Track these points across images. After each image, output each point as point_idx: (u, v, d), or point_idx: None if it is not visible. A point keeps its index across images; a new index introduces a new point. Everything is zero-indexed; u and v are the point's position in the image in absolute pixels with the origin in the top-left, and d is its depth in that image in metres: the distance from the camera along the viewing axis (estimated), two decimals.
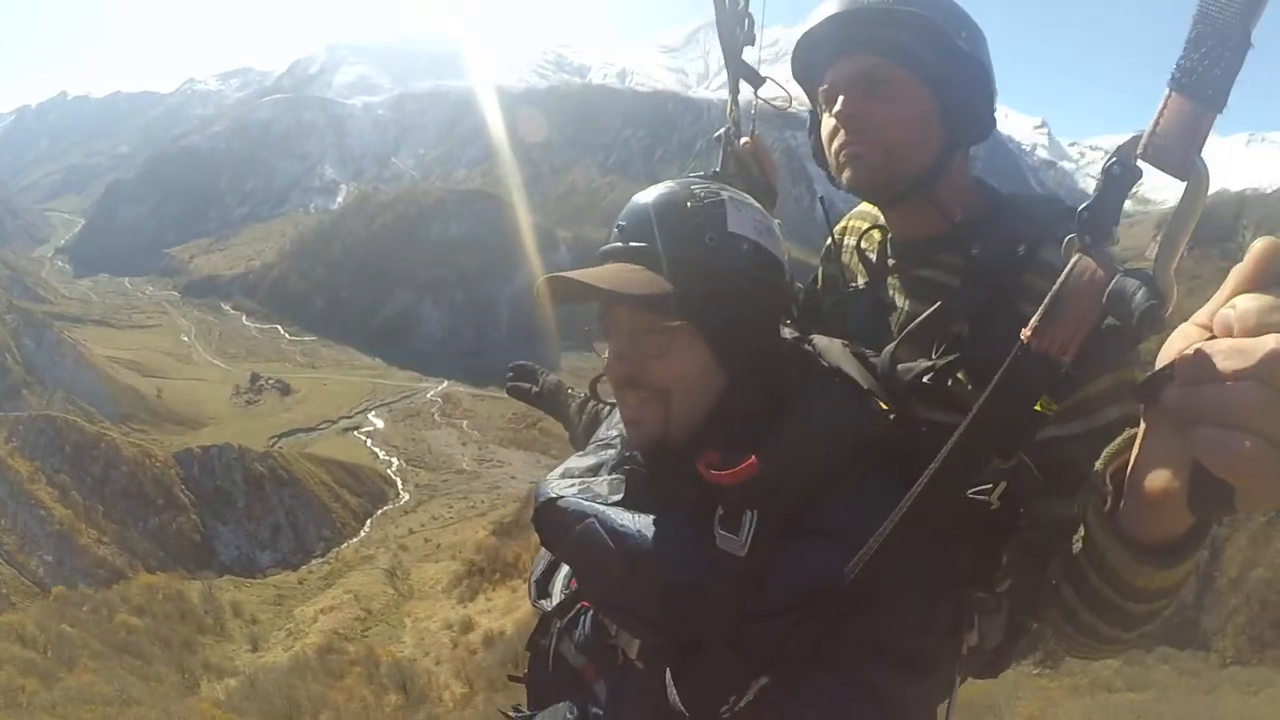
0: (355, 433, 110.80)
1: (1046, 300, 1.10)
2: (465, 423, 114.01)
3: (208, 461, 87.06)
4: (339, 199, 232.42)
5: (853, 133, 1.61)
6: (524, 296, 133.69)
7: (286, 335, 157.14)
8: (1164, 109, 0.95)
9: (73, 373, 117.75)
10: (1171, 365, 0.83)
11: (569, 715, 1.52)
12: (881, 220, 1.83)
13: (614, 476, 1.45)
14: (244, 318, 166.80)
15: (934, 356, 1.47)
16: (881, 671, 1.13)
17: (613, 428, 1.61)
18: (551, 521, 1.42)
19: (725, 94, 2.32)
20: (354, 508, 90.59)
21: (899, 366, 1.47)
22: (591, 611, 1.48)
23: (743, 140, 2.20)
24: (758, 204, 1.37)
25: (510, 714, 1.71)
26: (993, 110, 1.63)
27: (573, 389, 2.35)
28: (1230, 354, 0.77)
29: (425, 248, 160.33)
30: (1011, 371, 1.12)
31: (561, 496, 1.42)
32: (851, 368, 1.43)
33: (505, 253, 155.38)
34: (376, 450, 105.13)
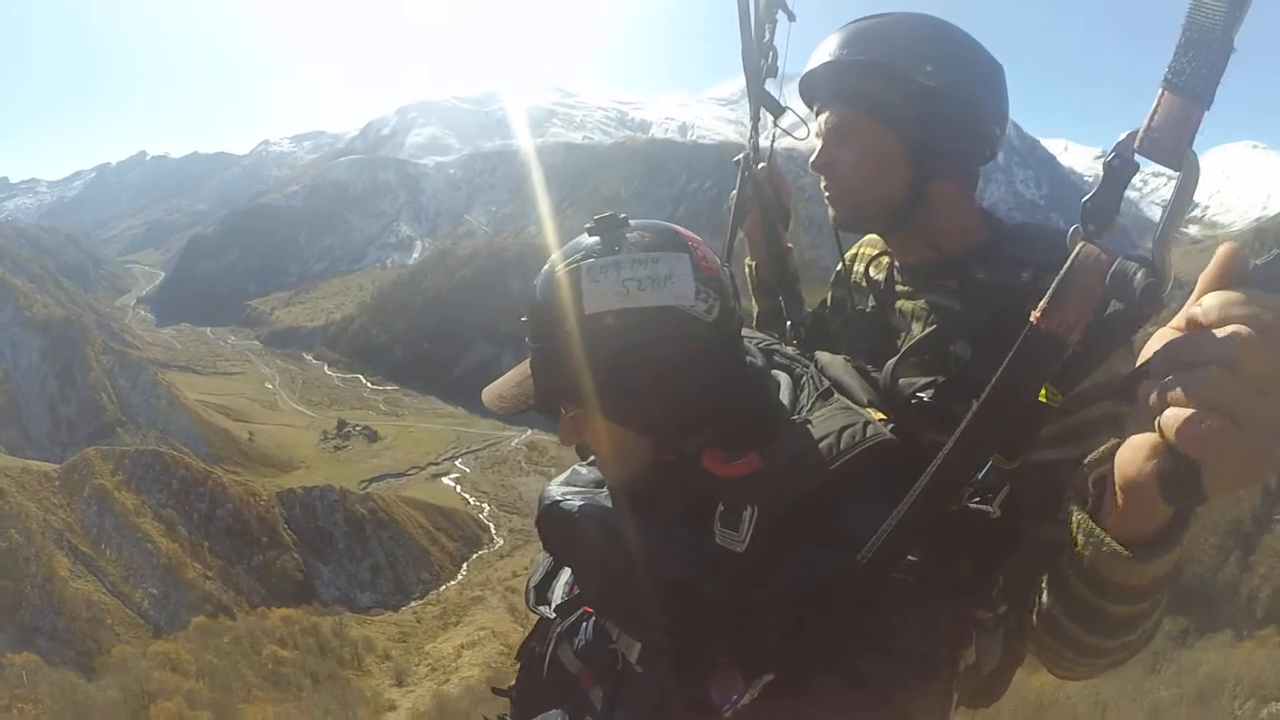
0: (444, 479, 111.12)
1: (1054, 283, 1.16)
2: (553, 469, 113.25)
3: (309, 502, 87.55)
4: (415, 254, 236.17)
5: (828, 180, 1.78)
6: None
7: (369, 385, 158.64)
8: (1157, 107, 1.03)
9: (167, 414, 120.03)
10: (1146, 362, 0.90)
11: None
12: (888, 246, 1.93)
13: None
14: (326, 367, 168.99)
15: (935, 375, 1.52)
16: (882, 668, 1.14)
17: None
18: (555, 524, 1.44)
19: (782, 142, 2.41)
20: (451, 551, 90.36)
21: (900, 381, 1.53)
22: (594, 617, 1.49)
23: (760, 165, 2.33)
24: (645, 248, 1.32)
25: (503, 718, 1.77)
26: (974, 137, 1.71)
27: None
28: (1194, 344, 0.84)
29: (504, 301, 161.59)
30: (1022, 351, 1.15)
31: (565, 499, 1.45)
32: (853, 380, 1.48)
33: None
34: (467, 496, 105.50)
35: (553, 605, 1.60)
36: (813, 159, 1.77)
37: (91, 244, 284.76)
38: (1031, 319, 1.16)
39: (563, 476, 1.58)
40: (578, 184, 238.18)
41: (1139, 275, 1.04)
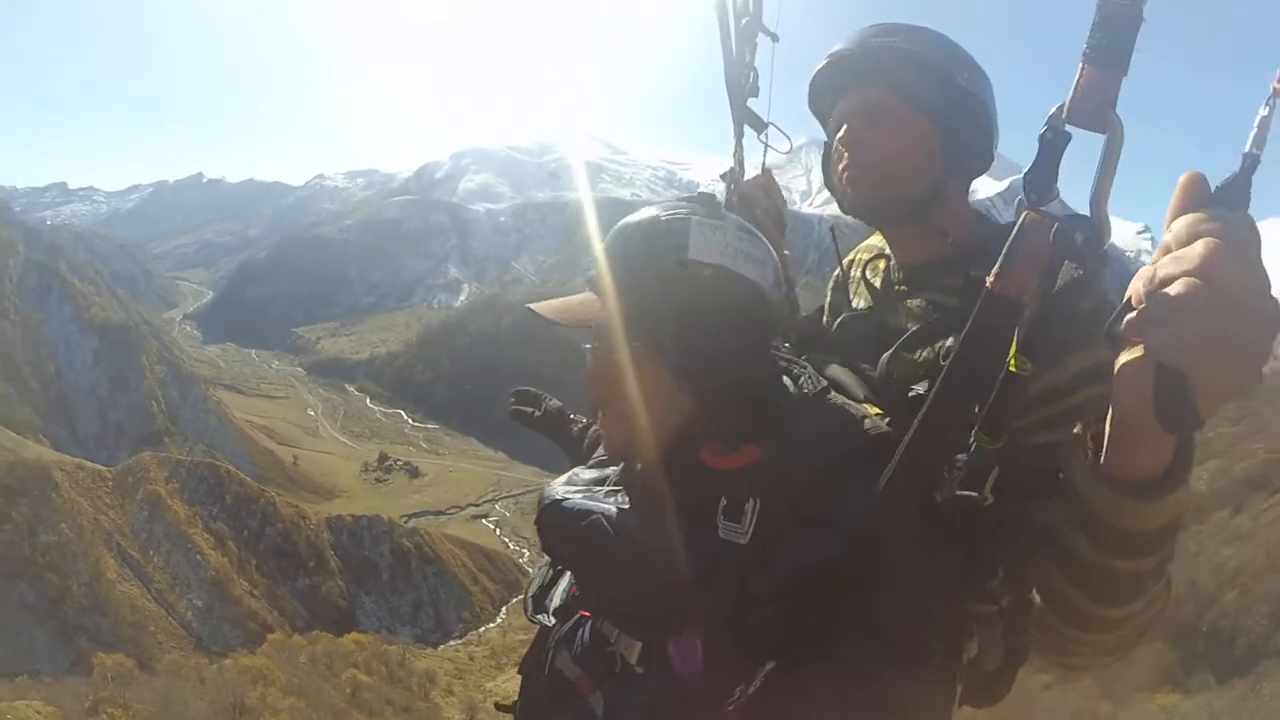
0: (484, 520, 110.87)
1: (1004, 250, 1.21)
2: None
3: (358, 531, 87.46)
4: (462, 297, 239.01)
5: (854, 158, 1.76)
6: None
7: (410, 420, 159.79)
8: (1079, 80, 1.10)
9: (215, 429, 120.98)
10: (1129, 298, 0.92)
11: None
12: (887, 250, 1.95)
13: (617, 488, 1.47)
14: (368, 400, 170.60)
15: (927, 368, 1.55)
16: (873, 655, 1.14)
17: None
18: (555, 522, 1.44)
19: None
20: (491, 593, 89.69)
21: (895, 376, 1.55)
22: (591, 620, 1.47)
23: (755, 175, 2.36)
24: (749, 230, 1.36)
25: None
26: (991, 145, 1.76)
27: (575, 415, 2.42)
28: (1168, 263, 0.87)
29: (549, 349, 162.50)
30: (979, 316, 1.20)
31: (566, 498, 1.45)
32: (849, 378, 1.50)
33: None
34: (506, 540, 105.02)
35: (550, 612, 1.61)
36: (840, 135, 1.78)
37: (144, 257, 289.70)
38: (986, 284, 1.21)
39: (563, 478, 1.60)
40: None
41: (1078, 232, 1.12)
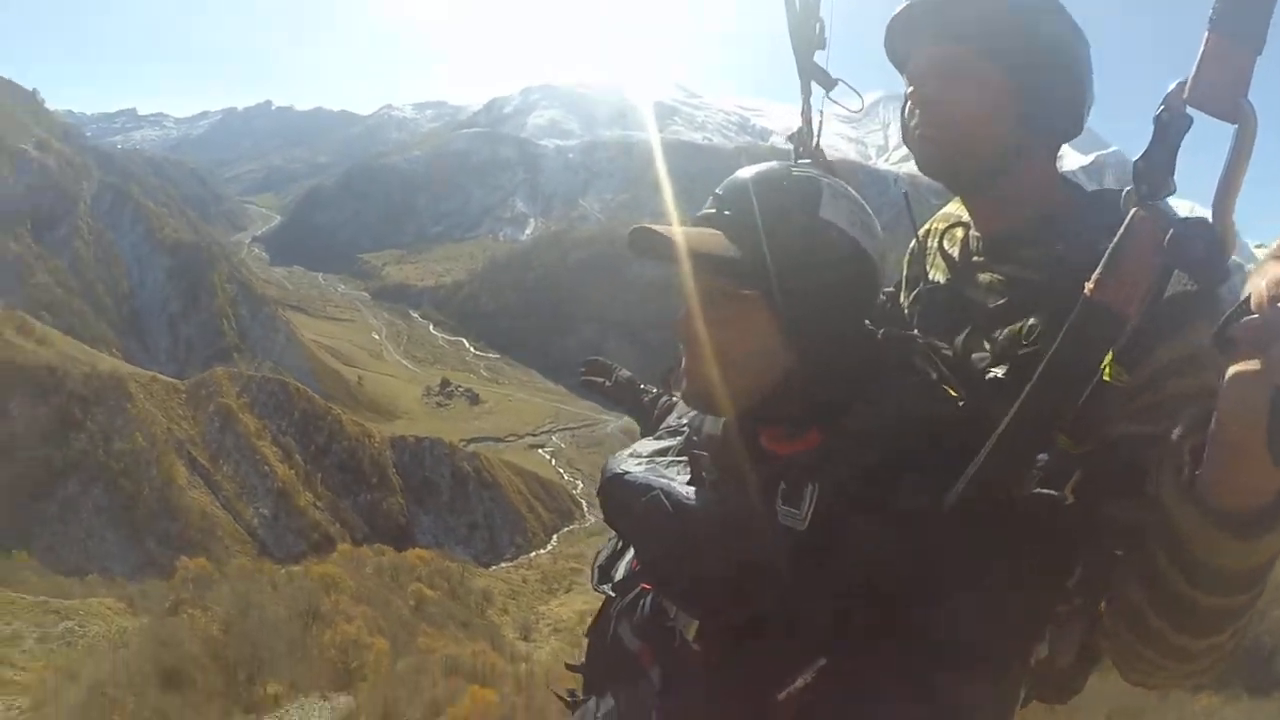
0: (540, 450, 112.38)
1: (1107, 253, 1.10)
2: None
3: (419, 452, 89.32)
4: (528, 231, 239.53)
5: (925, 117, 1.59)
6: None
7: (472, 349, 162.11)
8: (1205, 51, 0.95)
9: (283, 348, 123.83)
10: (1247, 298, 0.81)
11: (618, 702, 1.50)
12: (965, 217, 1.78)
13: (680, 459, 1.46)
14: (431, 327, 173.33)
15: (1006, 349, 1.44)
16: (939, 666, 1.08)
17: (682, 415, 1.62)
18: (617, 495, 1.40)
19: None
20: (545, 521, 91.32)
21: (973, 356, 1.47)
22: (651, 594, 1.44)
23: (815, 142, 2.17)
24: (862, 202, 1.32)
25: (566, 697, 1.75)
26: (1082, 110, 1.57)
27: (644, 384, 2.36)
28: None
29: (614, 288, 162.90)
30: (1076, 326, 1.11)
31: (628, 472, 1.41)
32: (922, 357, 1.41)
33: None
34: (561, 470, 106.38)
35: (614, 583, 1.56)
36: (911, 92, 1.59)
37: (213, 181, 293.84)
38: (1085, 291, 1.12)
39: (626, 450, 1.53)
40: (694, 183, 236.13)
41: (1198, 243, 0.97)
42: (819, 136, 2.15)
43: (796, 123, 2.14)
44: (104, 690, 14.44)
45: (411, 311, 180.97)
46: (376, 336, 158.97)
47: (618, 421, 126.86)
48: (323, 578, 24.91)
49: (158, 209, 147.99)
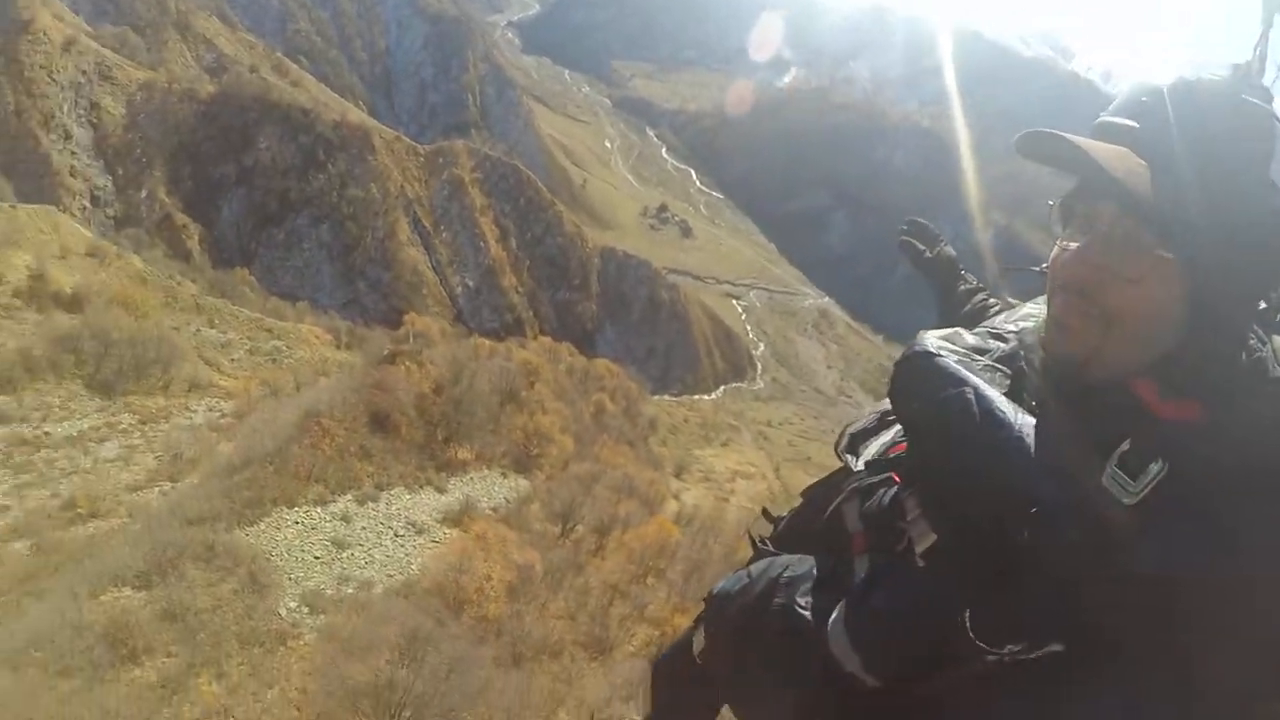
0: (735, 302, 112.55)
1: None
2: (835, 347, 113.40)
3: (626, 267, 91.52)
4: (786, 79, 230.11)
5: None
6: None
7: (698, 182, 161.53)
8: None
9: (520, 133, 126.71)
10: None
11: (817, 571, 1.40)
12: None
13: (999, 368, 1.26)
14: (664, 150, 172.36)
15: None
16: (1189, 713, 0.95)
17: (1013, 323, 1.42)
18: (918, 375, 1.24)
19: None
20: (718, 370, 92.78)
21: None
22: (899, 487, 1.31)
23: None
24: None
25: (758, 541, 1.67)
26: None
27: (966, 270, 2.08)
28: None
29: (861, 165, 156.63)
30: None
31: (940, 354, 1.24)
32: None
33: (937, 203, 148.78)
34: (748, 327, 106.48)
35: (861, 458, 1.45)
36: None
37: None
38: None
39: (941, 331, 1.34)
40: (979, 84, 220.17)
41: None
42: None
43: (1105, 56, 1.68)
44: (319, 418, 15.58)
45: (648, 129, 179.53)
46: (609, 145, 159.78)
47: (818, 300, 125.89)
48: (525, 364, 26.06)
49: None
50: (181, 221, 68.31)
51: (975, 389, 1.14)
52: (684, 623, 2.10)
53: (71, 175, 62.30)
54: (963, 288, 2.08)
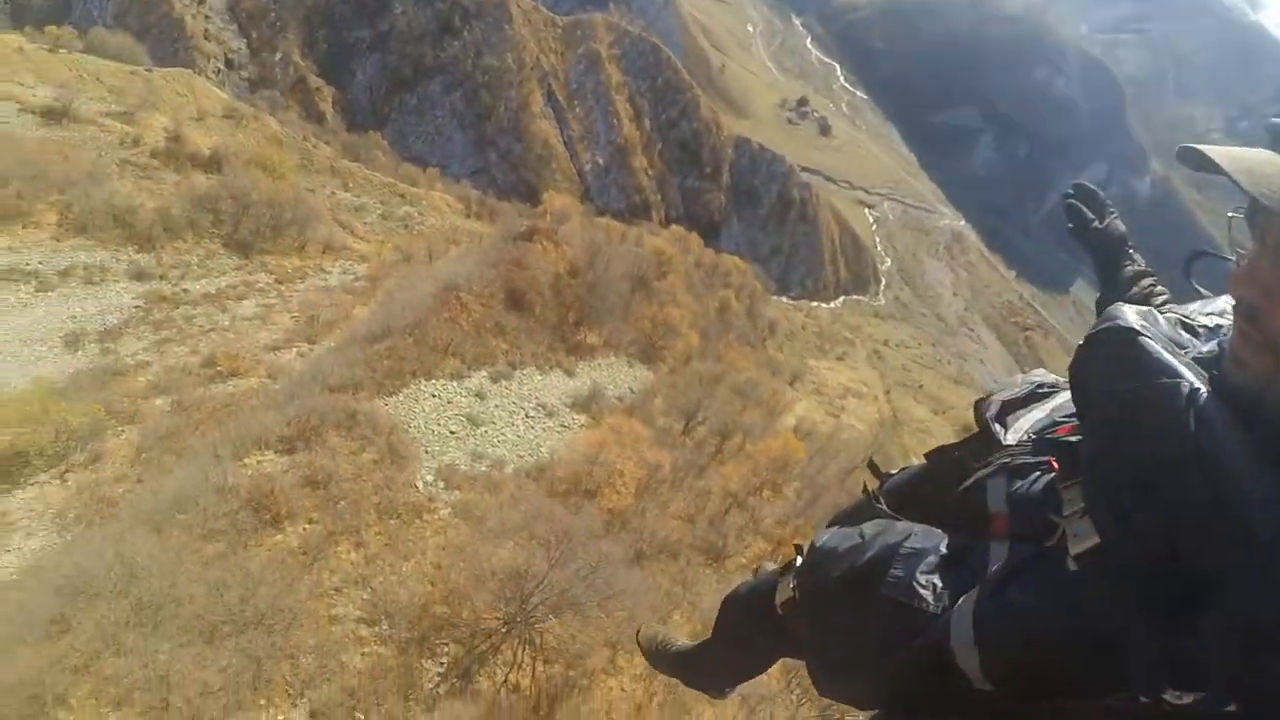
0: (867, 210, 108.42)
1: None
2: (964, 274, 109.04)
3: (760, 161, 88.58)
4: None
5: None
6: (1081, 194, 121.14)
7: (842, 79, 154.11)
8: None
9: (659, 10, 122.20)
10: None
11: (945, 549, 1.33)
12: None
13: (1203, 358, 1.16)
14: (809, 40, 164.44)
15: None
16: None
17: (1206, 316, 1.33)
18: (1124, 355, 1.12)
19: None
20: (840, 280, 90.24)
21: None
22: (1056, 475, 1.22)
23: None
24: None
25: (876, 499, 1.62)
26: None
27: (1134, 248, 1.89)
28: None
29: (1016, 83, 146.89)
30: None
31: (1145, 333, 1.12)
32: None
33: (1093, 138, 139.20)
34: (877, 239, 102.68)
35: (1011, 430, 1.39)
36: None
37: None
38: None
39: (1137, 309, 1.19)
40: (1156, 18, 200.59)
41: None
42: None
43: None
44: (457, 291, 15.54)
45: (794, 16, 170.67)
46: (750, 29, 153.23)
47: (954, 222, 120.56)
48: (658, 253, 25.08)
49: None
50: (315, 85, 69.61)
51: (1191, 385, 1.02)
52: (801, 541, 1.80)
53: (206, 39, 63.85)
54: (1129, 268, 1.86)
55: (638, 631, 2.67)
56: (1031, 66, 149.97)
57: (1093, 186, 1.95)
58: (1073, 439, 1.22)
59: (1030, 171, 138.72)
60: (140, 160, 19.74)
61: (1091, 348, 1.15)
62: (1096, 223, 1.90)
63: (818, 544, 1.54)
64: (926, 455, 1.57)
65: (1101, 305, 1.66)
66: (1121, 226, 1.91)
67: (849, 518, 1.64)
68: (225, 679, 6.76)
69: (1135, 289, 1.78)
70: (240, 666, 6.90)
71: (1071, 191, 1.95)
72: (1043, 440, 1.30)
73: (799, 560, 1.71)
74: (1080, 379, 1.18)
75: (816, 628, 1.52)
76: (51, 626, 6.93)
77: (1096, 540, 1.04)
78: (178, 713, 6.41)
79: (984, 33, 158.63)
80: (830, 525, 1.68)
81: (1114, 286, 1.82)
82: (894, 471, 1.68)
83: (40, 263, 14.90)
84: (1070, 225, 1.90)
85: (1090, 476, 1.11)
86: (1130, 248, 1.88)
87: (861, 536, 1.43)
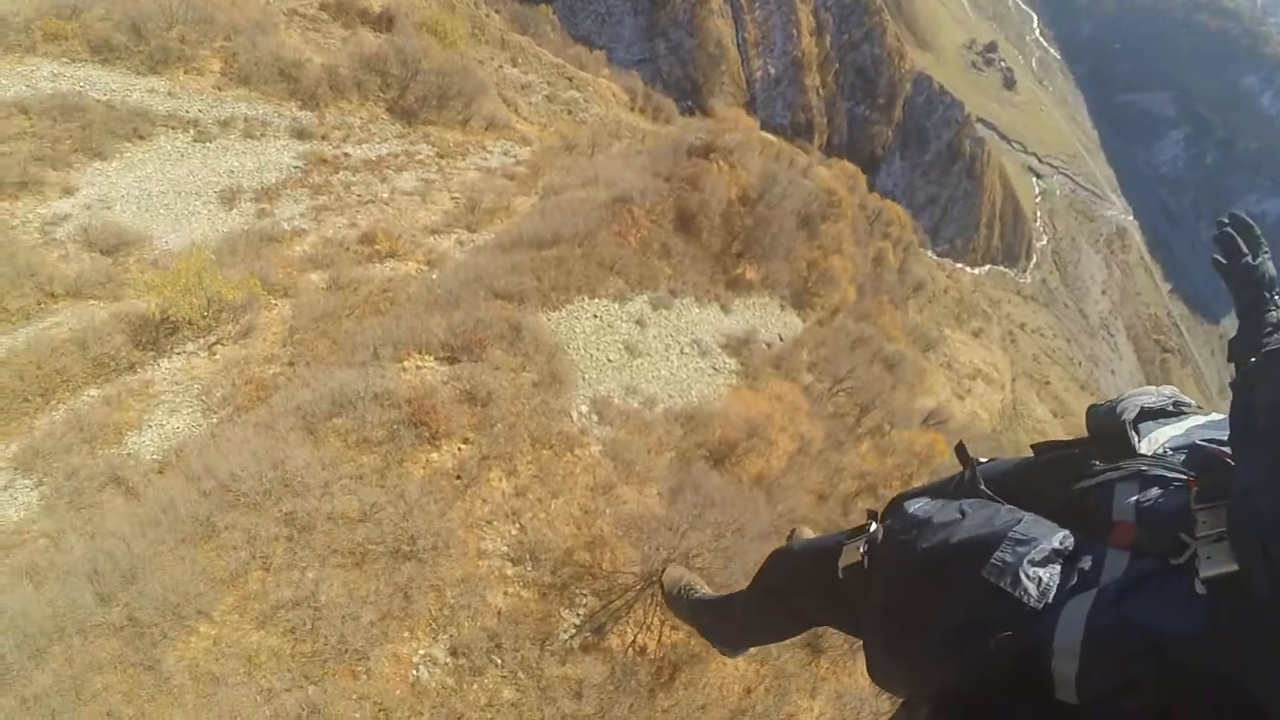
0: (1036, 180, 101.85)
1: None
2: (1119, 274, 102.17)
3: (937, 102, 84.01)
4: None
5: None
6: (1263, 220, 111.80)
7: (1037, 31, 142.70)
8: None
9: None
10: None
11: (1062, 544, 1.27)
12: None
13: None
14: None
15: None
16: None
17: None
18: (1271, 379, 1.09)
19: None
20: (990, 246, 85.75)
21: None
22: (1196, 497, 1.18)
23: None
24: None
25: (982, 485, 1.56)
26: None
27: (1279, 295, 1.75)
28: None
29: (1221, 85, 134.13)
30: None
31: None
32: None
33: None
34: (1039, 213, 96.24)
35: (1145, 439, 1.36)
36: None
37: None
38: None
39: None
40: None
41: None
42: None
43: None
44: (629, 205, 14.46)
45: None
46: None
47: (1122, 216, 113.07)
48: (829, 192, 22.92)
49: None
50: None
51: None
52: (874, 508, 1.73)
53: None
54: (1274, 314, 1.71)
55: (662, 570, 2.40)
56: (1240, 71, 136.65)
57: (1249, 220, 1.82)
58: (1230, 459, 1.15)
59: (1214, 182, 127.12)
60: (309, 12, 18.91)
61: (1273, 362, 1.09)
62: (1249, 259, 1.73)
63: (910, 510, 1.49)
64: (1034, 448, 1.54)
65: (1235, 347, 1.64)
66: (1273, 270, 1.74)
67: (939, 492, 1.62)
68: (375, 610, 6.66)
69: (1274, 338, 1.60)
70: (389, 594, 6.83)
71: (1226, 220, 1.80)
72: (1197, 453, 1.23)
73: (873, 526, 1.66)
74: (1244, 397, 1.12)
75: (888, 598, 1.45)
76: (197, 529, 6.84)
77: (1232, 567, 0.99)
78: (322, 639, 6.34)
79: (1196, 20, 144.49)
80: (915, 495, 1.63)
81: (1254, 330, 1.66)
82: (984, 460, 1.62)
83: (200, 111, 14.29)
84: (1218, 256, 1.77)
85: (1243, 503, 1.04)
86: (1276, 293, 1.72)
87: (961, 513, 1.38)
